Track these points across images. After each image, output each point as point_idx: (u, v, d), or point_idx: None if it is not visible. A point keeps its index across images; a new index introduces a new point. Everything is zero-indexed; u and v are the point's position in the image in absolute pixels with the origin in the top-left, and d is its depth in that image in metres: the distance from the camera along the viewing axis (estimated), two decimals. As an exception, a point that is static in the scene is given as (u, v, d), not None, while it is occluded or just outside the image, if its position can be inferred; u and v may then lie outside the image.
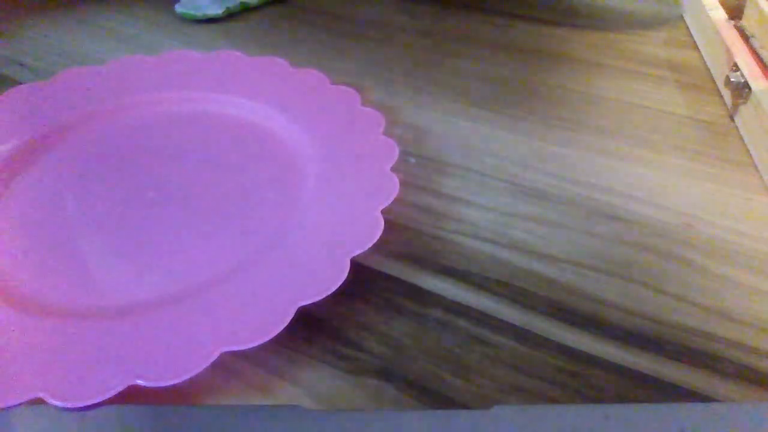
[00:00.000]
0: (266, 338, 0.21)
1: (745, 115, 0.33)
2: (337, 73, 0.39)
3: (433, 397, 0.21)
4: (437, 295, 0.25)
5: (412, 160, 0.32)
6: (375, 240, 0.24)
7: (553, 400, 0.21)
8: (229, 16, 0.46)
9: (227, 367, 0.22)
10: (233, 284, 0.23)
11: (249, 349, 0.21)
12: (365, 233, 0.24)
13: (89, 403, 0.20)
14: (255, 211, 0.28)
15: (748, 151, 0.32)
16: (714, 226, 0.28)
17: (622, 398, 0.21)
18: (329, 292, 0.22)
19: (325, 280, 0.23)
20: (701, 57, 0.41)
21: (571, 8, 0.47)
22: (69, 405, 0.20)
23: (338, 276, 0.23)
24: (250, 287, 0.23)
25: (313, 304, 0.22)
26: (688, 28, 0.44)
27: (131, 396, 0.20)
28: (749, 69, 0.33)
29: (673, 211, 0.29)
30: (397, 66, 0.40)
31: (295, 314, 0.22)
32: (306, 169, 0.30)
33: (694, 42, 0.42)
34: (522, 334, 0.23)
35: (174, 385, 0.20)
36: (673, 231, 0.28)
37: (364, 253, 0.24)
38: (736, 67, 0.34)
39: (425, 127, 0.34)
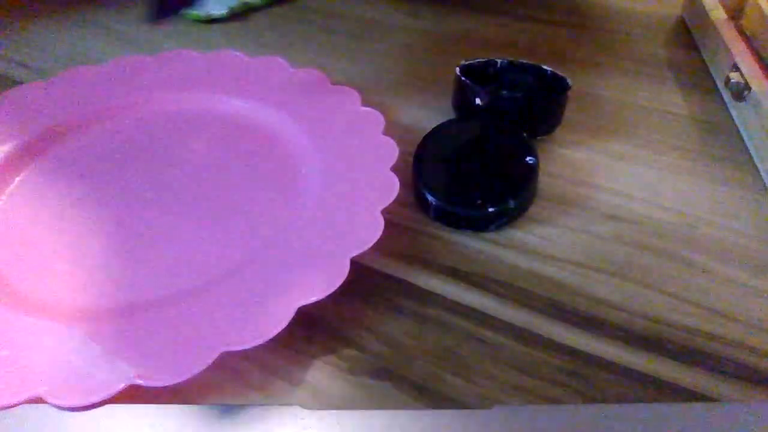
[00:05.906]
0: (266, 338, 0.21)
1: (745, 115, 0.33)
2: (337, 73, 0.39)
3: (433, 397, 0.21)
4: (437, 295, 0.25)
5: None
6: (375, 240, 0.24)
7: (553, 400, 0.21)
8: (231, 16, 0.46)
9: (227, 367, 0.22)
10: (233, 284, 0.23)
11: (249, 349, 0.21)
12: (365, 233, 0.24)
13: (89, 403, 0.20)
14: (255, 211, 0.28)
15: (748, 151, 0.32)
16: (714, 226, 0.28)
17: (622, 398, 0.21)
18: (329, 292, 0.22)
19: (325, 280, 0.23)
20: (701, 57, 0.41)
21: (571, 8, 0.47)
22: (69, 405, 0.20)
23: (338, 276, 0.23)
24: (250, 287, 0.23)
25: (313, 304, 0.22)
26: (688, 28, 0.44)
27: (131, 396, 0.20)
28: (749, 69, 0.33)
29: (673, 211, 0.29)
30: (397, 66, 0.40)
31: (295, 314, 0.22)
32: (306, 169, 0.30)
33: (694, 42, 0.42)
34: (522, 334, 0.23)
35: (174, 385, 0.20)
36: (673, 231, 0.28)
37: (364, 253, 0.24)
38: (736, 67, 0.34)
39: (425, 128, 0.34)
